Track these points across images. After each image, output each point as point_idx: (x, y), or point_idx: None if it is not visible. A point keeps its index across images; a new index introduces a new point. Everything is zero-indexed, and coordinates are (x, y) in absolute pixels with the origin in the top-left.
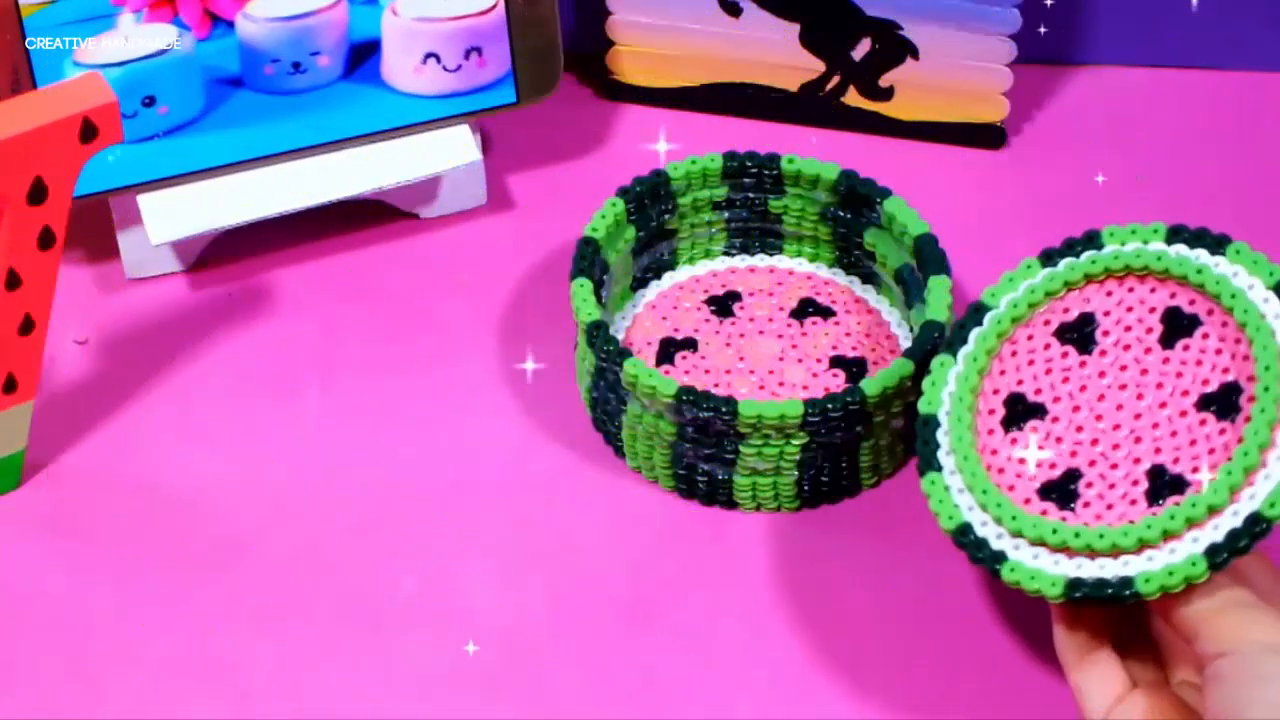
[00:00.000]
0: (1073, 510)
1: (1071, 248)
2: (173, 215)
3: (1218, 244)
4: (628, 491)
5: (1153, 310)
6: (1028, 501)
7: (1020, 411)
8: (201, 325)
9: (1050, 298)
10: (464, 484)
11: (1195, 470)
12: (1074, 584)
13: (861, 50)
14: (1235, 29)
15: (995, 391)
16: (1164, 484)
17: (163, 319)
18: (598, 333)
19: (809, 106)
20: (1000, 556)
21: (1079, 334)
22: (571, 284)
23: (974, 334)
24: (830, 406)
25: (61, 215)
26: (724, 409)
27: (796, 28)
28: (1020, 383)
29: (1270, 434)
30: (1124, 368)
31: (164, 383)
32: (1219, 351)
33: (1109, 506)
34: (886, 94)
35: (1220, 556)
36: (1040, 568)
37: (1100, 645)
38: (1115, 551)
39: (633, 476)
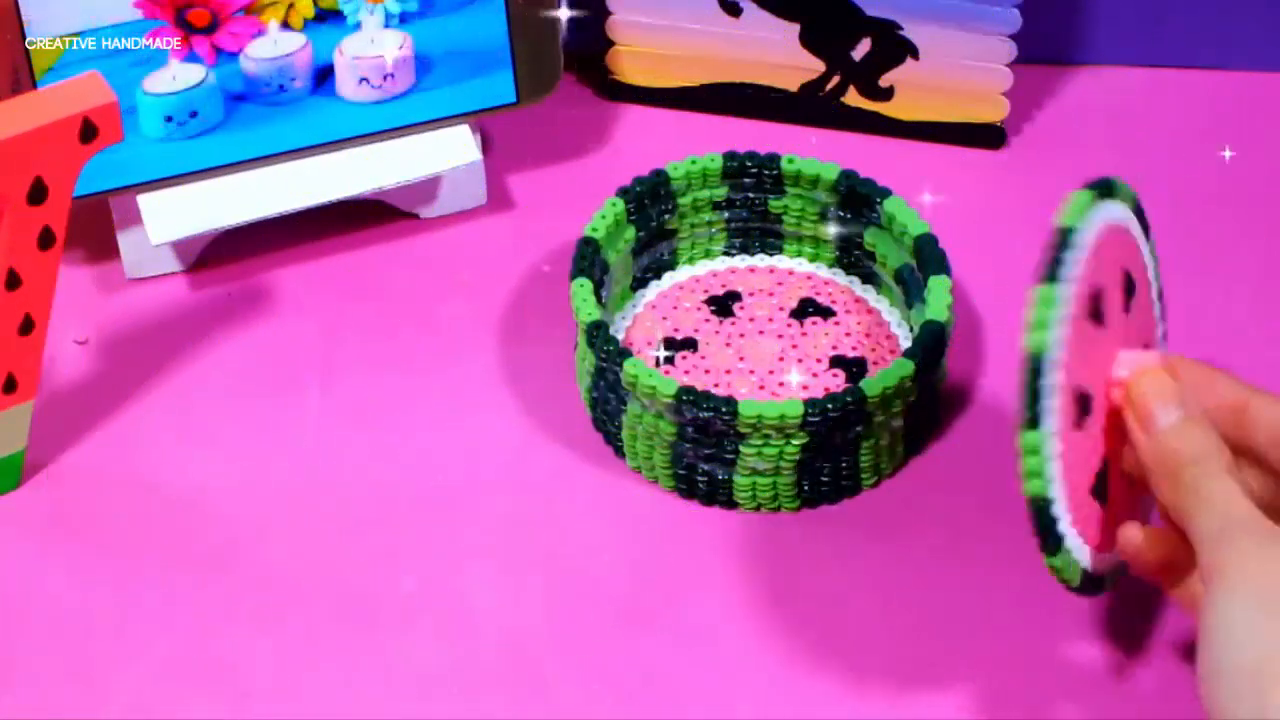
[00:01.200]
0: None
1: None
2: (173, 215)
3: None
4: (628, 491)
5: (1121, 271)
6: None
7: (1085, 406)
8: (201, 325)
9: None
10: (464, 484)
11: None
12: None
13: (861, 50)
14: (1235, 29)
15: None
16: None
17: (163, 319)
18: (598, 333)
19: (809, 106)
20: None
21: (1095, 309)
22: (571, 284)
23: (1041, 387)
24: (830, 406)
25: (61, 215)
26: (724, 409)
27: (796, 28)
28: (1079, 381)
29: None
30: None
31: (164, 383)
32: None
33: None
34: (886, 94)
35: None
36: None
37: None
38: None
39: (633, 476)
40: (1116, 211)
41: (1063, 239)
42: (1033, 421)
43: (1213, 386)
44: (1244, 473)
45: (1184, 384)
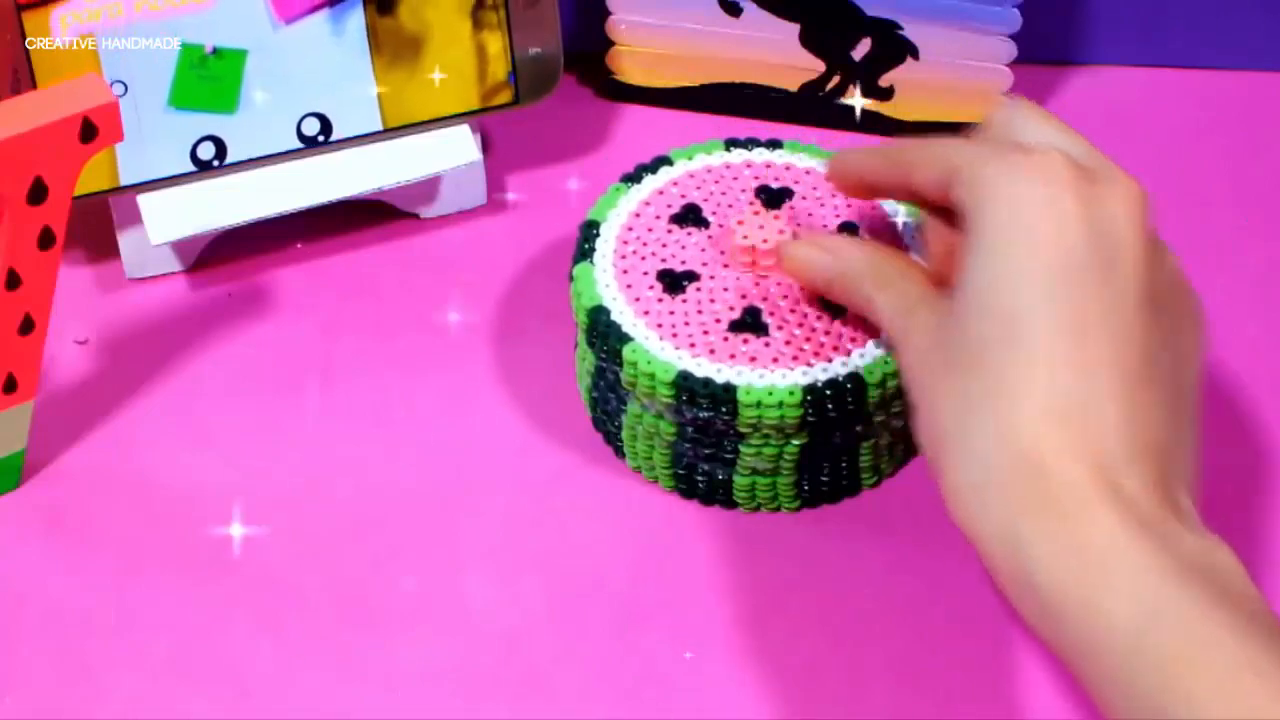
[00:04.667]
0: (768, 337)
1: (648, 168)
2: (173, 215)
3: (771, 145)
4: (628, 491)
5: (744, 190)
6: (726, 339)
7: (674, 282)
8: (201, 325)
9: (645, 204)
10: (464, 484)
11: None
12: (683, 375)
13: (861, 50)
14: (1235, 29)
15: (644, 274)
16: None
17: (163, 319)
18: (599, 318)
19: (809, 106)
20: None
21: (693, 217)
22: (574, 269)
23: (598, 244)
24: (830, 406)
25: (61, 215)
26: (723, 407)
27: (796, 28)
28: (663, 261)
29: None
30: (746, 236)
31: (164, 382)
32: (821, 203)
33: (799, 325)
34: (886, 94)
35: (817, 395)
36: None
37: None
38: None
39: (633, 476)
40: (698, 160)
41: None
42: (581, 258)
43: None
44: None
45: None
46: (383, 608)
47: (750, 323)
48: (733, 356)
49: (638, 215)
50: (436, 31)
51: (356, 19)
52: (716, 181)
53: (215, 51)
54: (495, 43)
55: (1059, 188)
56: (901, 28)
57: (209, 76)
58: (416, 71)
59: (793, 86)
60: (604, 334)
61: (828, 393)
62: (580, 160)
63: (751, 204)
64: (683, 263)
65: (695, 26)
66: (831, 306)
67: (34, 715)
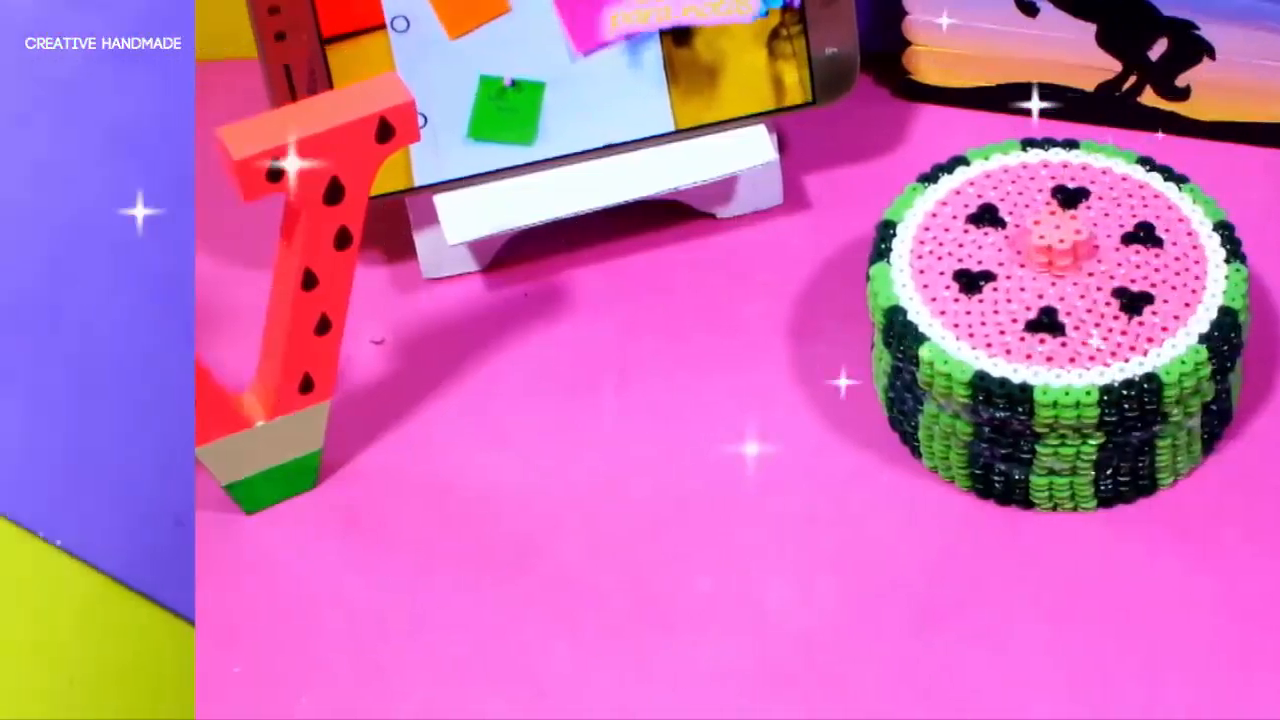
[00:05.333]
0: (1065, 337)
1: (944, 169)
2: (469, 215)
3: (1068, 145)
4: (924, 491)
5: (1040, 190)
6: (1023, 339)
7: (971, 282)
8: (497, 325)
9: (941, 204)
10: (759, 483)
11: (1153, 286)
12: (979, 375)
13: (1158, 50)
14: None
15: (940, 274)
16: (1133, 299)
17: (459, 319)
18: (895, 317)
19: (1105, 106)
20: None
21: (990, 217)
22: (870, 269)
23: (894, 244)
24: (1127, 406)
25: (358, 215)
26: (1020, 407)
27: (1093, 28)
28: (960, 261)
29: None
30: (1042, 236)
31: (460, 382)
32: (1118, 203)
33: (1096, 325)
34: (1183, 94)
35: (1115, 396)
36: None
37: None
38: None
39: (929, 476)
40: (994, 161)
41: (884, 228)
42: (877, 259)
43: None
44: None
45: None
46: (677, 608)
47: (1047, 323)
48: (1029, 357)
49: (934, 215)
50: (732, 61)
51: (653, 50)
52: (1013, 182)
53: (514, 84)
54: (791, 73)
55: None
56: (1198, 27)
57: (507, 108)
58: (712, 102)
59: (1089, 86)
60: (900, 334)
61: (1125, 393)
62: (877, 160)
63: (1048, 204)
64: (979, 263)
65: (992, 26)
66: (1129, 306)
67: (331, 715)
